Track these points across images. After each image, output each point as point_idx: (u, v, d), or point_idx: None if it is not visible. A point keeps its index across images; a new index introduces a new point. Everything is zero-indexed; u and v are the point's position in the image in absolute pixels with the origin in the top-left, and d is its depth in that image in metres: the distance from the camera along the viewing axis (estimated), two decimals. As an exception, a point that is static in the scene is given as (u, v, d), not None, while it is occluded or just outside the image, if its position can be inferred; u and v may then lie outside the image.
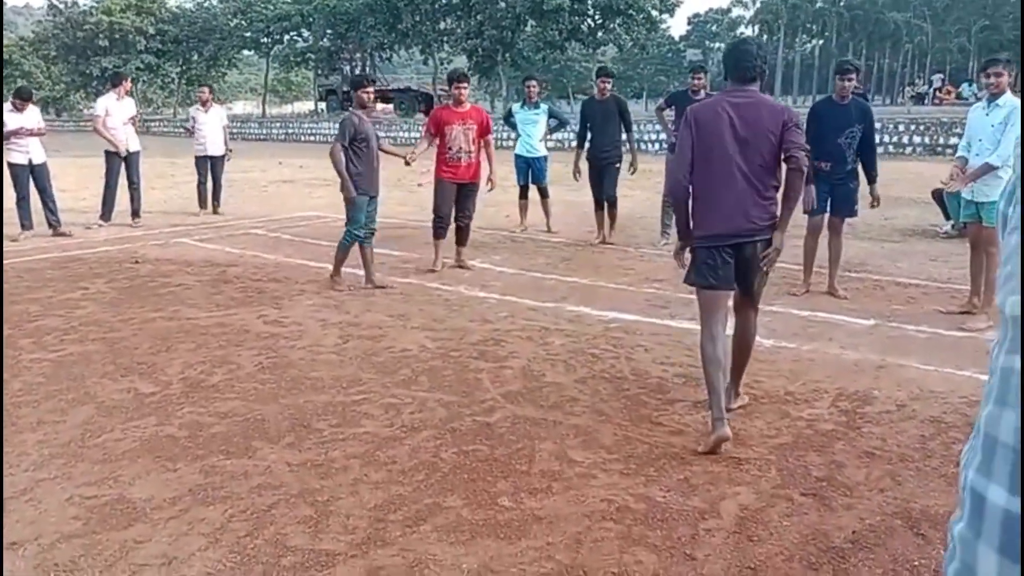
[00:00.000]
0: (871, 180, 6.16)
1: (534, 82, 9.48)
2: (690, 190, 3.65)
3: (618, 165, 8.72)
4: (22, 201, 8.98)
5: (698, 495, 3.06)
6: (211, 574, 2.58)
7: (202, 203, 11.18)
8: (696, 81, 8.23)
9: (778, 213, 3.60)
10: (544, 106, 9.43)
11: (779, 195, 3.63)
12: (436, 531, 2.82)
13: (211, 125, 11.11)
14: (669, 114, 8.69)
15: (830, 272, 6.26)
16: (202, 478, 3.24)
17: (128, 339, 5.16)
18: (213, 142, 11.11)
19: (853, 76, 6.11)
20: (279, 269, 7.44)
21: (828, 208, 6.12)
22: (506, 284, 6.79)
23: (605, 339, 5.15)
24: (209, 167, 11.15)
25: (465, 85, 7.22)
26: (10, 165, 8.91)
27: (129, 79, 10.70)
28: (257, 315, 5.77)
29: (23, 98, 9.12)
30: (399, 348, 4.98)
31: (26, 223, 8.99)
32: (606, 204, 8.79)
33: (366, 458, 3.42)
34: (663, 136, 9.05)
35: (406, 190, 12.80)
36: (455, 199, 7.14)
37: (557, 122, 9.67)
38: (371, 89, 6.66)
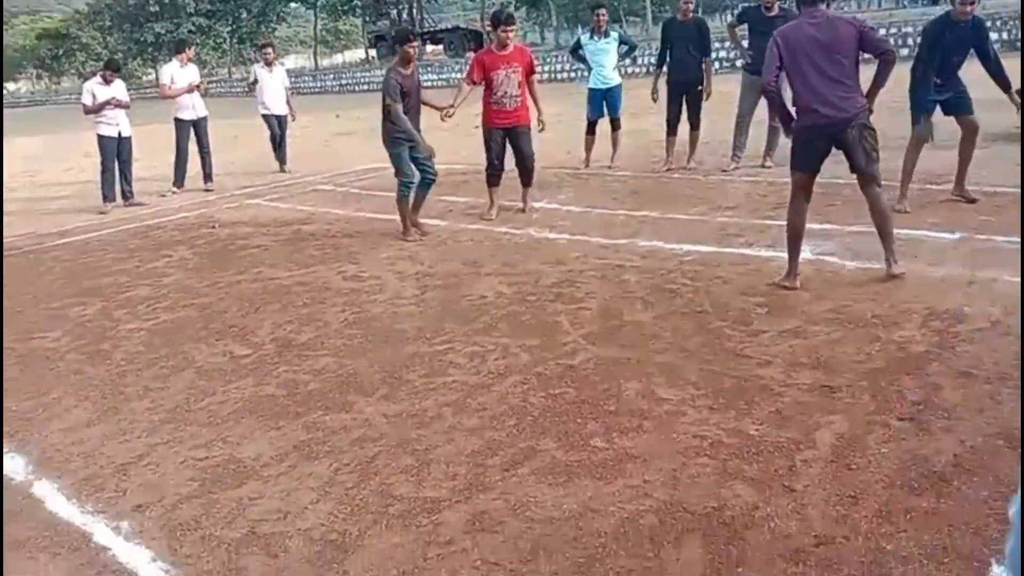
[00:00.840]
0: (1006, 89, 6.07)
1: (603, 10, 9.17)
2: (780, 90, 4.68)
3: (700, 88, 8.54)
4: (107, 173, 9.29)
5: (792, 426, 3.06)
6: (324, 525, 2.71)
7: (280, 158, 11.39)
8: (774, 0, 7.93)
9: (863, 102, 4.53)
10: (614, 33, 9.18)
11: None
12: (533, 474, 2.90)
13: (275, 85, 11.19)
14: (741, 31, 8.42)
15: (960, 173, 6.30)
16: (305, 434, 3.38)
17: (216, 303, 5.35)
18: (276, 101, 11.20)
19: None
20: (351, 224, 7.56)
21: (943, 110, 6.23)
22: (575, 223, 6.76)
23: (681, 273, 5.11)
24: (276, 124, 11.29)
25: (513, 28, 6.99)
26: (100, 137, 9.22)
27: (191, 46, 10.83)
28: (336, 271, 5.90)
29: (113, 69, 9.36)
30: (476, 295, 5.05)
31: (109, 194, 9.31)
32: (690, 127, 8.65)
33: (458, 406, 3.51)
34: (732, 55, 8.76)
35: (464, 134, 12.76)
36: (509, 143, 7.03)
37: (628, 47, 9.46)
38: (416, 43, 6.57)
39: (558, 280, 5.19)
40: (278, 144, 11.38)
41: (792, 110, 4.70)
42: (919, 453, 2.79)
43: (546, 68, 28.45)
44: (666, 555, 2.38)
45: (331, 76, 40.86)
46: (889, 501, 2.54)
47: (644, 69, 21.73)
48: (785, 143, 8.22)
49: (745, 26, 8.36)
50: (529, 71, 6.99)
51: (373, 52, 51.01)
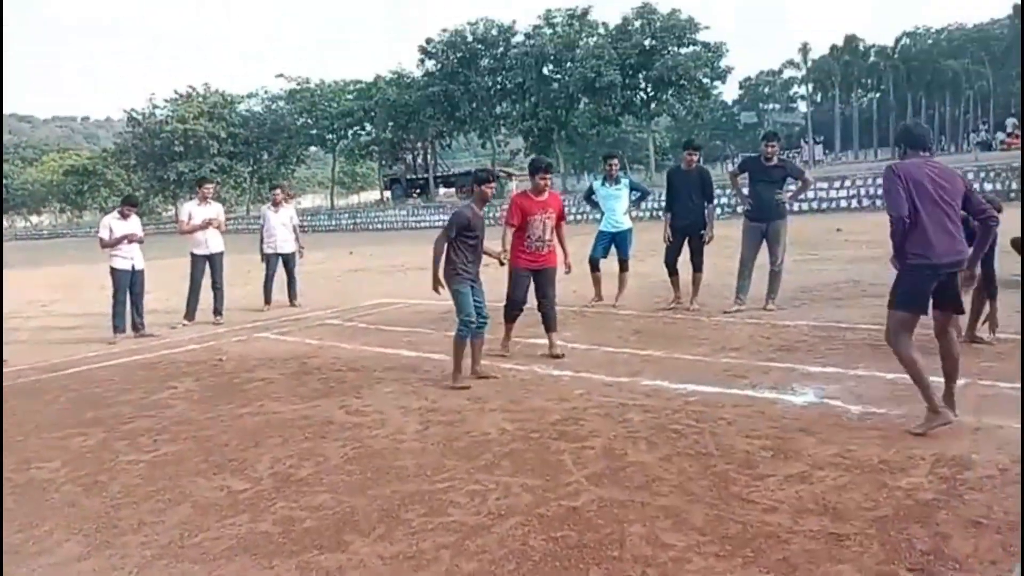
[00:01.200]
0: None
1: (615, 160, 9.71)
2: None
3: (703, 232, 8.85)
4: (118, 305, 9.46)
5: (799, 575, 2.97)
6: (313, 673, 2.60)
7: (267, 299, 11.55)
8: (769, 149, 8.35)
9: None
10: (625, 180, 9.66)
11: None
12: (533, 622, 2.79)
13: (282, 222, 11.59)
14: (742, 179, 8.78)
15: (972, 321, 6.41)
16: (298, 574, 3.29)
17: (218, 436, 5.32)
18: (283, 240, 11.58)
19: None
20: (357, 358, 7.61)
21: None
22: (579, 360, 6.79)
23: (685, 413, 5.09)
24: (281, 264, 11.61)
25: (550, 176, 7.19)
26: (113, 270, 9.47)
27: (211, 183, 11.26)
28: (339, 405, 5.89)
29: (131, 204, 9.74)
30: (479, 432, 5.02)
31: (119, 326, 9.44)
32: (693, 270, 8.93)
33: (456, 548, 3.42)
34: (733, 201, 9.13)
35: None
36: (534, 285, 7.13)
37: (639, 194, 9.87)
38: (494, 185, 6.58)
39: (562, 417, 5.17)
40: (289, 281, 11.65)
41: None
42: (932, 607, 2.70)
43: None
44: None
45: (346, 215, 42.13)
46: (902, 658, 2.43)
47: (647, 214, 22.37)
48: (785, 287, 8.37)
49: (746, 175, 8.71)
50: (560, 217, 7.17)
51: (388, 194, 52.75)
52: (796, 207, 23.91)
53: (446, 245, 6.29)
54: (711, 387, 5.66)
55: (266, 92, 54.77)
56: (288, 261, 11.67)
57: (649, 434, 4.73)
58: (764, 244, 8.54)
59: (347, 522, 3.78)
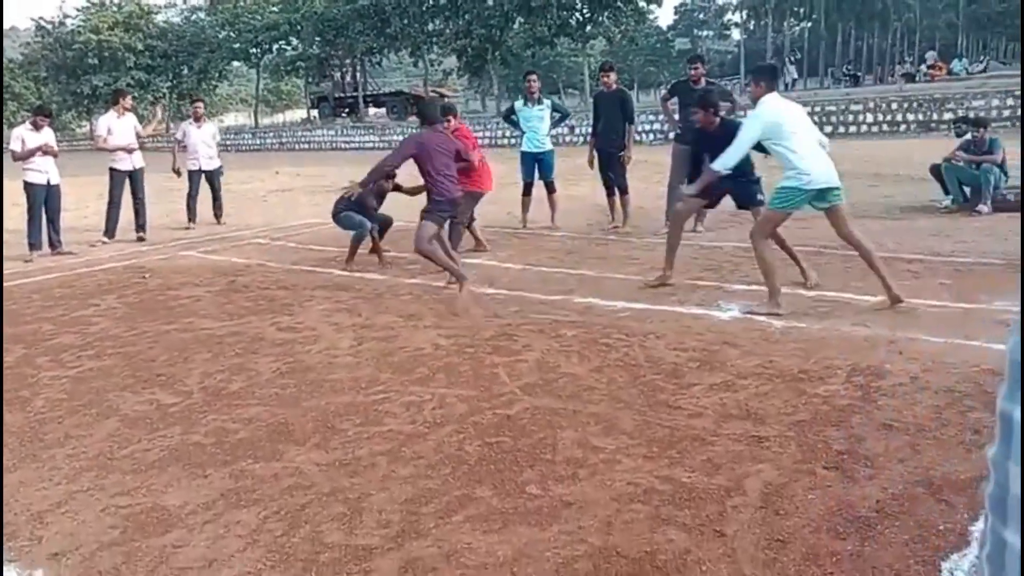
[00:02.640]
0: None
1: (535, 77, 9.46)
2: None
3: (621, 153, 8.90)
4: (33, 221, 9.04)
5: (722, 474, 3.12)
6: (251, 573, 2.63)
7: (191, 216, 11.14)
8: (694, 71, 8.34)
9: None
10: (547, 101, 9.47)
11: None
12: (468, 521, 2.87)
13: (204, 139, 11.17)
14: (672, 104, 8.79)
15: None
16: (233, 482, 3.29)
17: (144, 352, 5.21)
18: (206, 156, 11.17)
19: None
20: (287, 276, 7.49)
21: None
22: (513, 279, 6.84)
23: (616, 328, 5.20)
24: (205, 180, 11.21)
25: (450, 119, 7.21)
26: (27, 184, 8.99)
27: (128, 96, 10.72)
28: (270, 322, 5.82)
29: (45, 115, 9.21)
30: (413, 347, 5.04)
31: (35, 243, 9.05)
32: (617, 192, 8.95)
33: (392, 455, 3.47)
34: (665, 127, 9.15)
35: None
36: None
37: (560, 115, 9.73)
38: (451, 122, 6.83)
39: (496, 333, 5.22)
40: (214, 197, 11.30)
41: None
42: (844, 499, 2.87)
43: (487, 134, 28.98)
44: (599, 598, 2.38)
45: (271, 134, 40.80)
46: (815, 545, 2.59)
47: (581, 138, 22.35)
48: (713, 210, 8.54)
49: (675, 99, 8.73)
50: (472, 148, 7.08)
51: (315, 112, 51.19)
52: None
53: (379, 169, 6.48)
54: (641, 304, 5.78)
55: (185, 2, 52.00)
56: (213, 178, 11.29)
57: (581, 348, 4.83)
58: None
59: (281, 433, 3.78)
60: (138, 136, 10.07)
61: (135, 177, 10.02)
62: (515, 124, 9.67)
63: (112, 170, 10.00)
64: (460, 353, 4.85)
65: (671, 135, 8.86)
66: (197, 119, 11.26)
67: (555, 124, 9.60)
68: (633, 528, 2.76)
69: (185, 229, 10.91)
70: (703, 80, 8.41)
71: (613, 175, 9.04)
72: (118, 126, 9.96)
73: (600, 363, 4.53)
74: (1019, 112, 19.33)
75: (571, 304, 5.90)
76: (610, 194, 9.19)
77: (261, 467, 3.43)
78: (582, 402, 3.95)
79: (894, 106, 21.93)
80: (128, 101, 10.35)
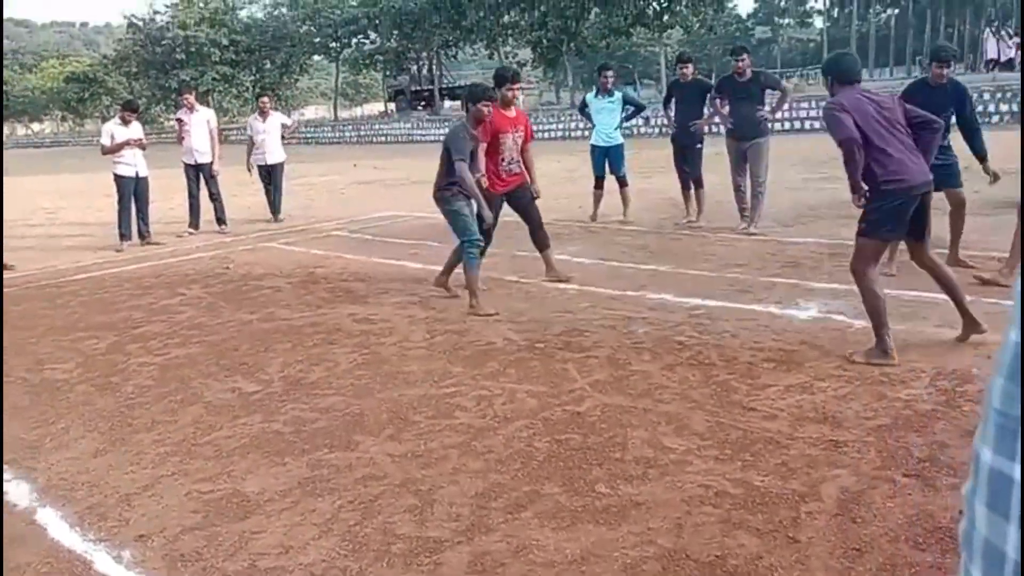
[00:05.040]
0: (981, 160, 6.21)
1: (611, 71, 9.37)
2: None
3: (700, 146, 8.75)
4: (123, 212, 9.44)
5: (797, 479, 3.05)
6: (325, 561, 2.71)
7: (274, 211, 11.27)
8: (740, 64, 8.08)
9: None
10: (618, 94, 9.37)
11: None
12: (537, 517, 2.89)
13: (270, 134, 11.09)
14: (724, 102, 8.55)
15: (952, 243, 6.34)
16: (309, 471, 3.39)
17: (228, 341, 5.40)
18: (272, 151, 11.11)
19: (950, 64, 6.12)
20: (364, 268, 7.64)
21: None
22: (585, 274, 6.81)
23: (690, 326, 5.14)
24: (269, 176, 11.19)
25: (519, 85, 6.55)
26: (117, 177, 9.41)
27: (191, 92, 10.95)
28: (347, 313, 5.95)
29: (131, 110, 9.59)
30: (484, 341, 5.08)
31: (125, 233, 9.46)
32: (693, 185, 8.83)
33: (463, 448, 3.51)
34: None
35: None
36: (517, 213, 6.54)
37: (633, 108, 9.62)
38: (491, 105, 5.88)
39: (567, 329, 5.22)
40: (274, 194, 11.24)
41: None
42: (924, 509, 2.78)
43: (560, 126, 28.94)
44: (668, 601, 2.37)
45: (350, 127, 41.58)
46: (893, 555, 2.52)
47: (657, 130, 22.07)
48: (791, 205, 8.28)
49: (724, 96, 8.48)
50: (529, 136, 6.56)
51: (392, 106, 51.98)
52: (807, 125, 23.59)
53: (447, 167, 5.78)
54: (715, 301, 5.69)
55: (268, -2, 53.45)
56: (275, 173, 11.19)
57: (653, 345, 4.79)
58: None
59: (357, 423, 3.87)
60: (212, 136, 10.30)
61: (203, 171, 10.29)
62: (589, 117, 9.62)
63: (186, 165, 10.36)
64: (531, 349, 4.86)
65: (722, 130, 8.62)
66: (263, 113, 11.23)
67: (629, 117, 9.50)
68: (703, 531, 2.73)
69: (267, 223, 11.07)
70: (748, 71, 8.13)
71: (689, 168, 8.90)
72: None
73: (672, 361, 4.48)
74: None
75: (643, 300, 5.85)
76: (685, 187, 9.06)
77: (337, 456, 3.52)
78: (653, 401, 3.92)
79: (986, 96, 20.96)
80: (190, 99, 10.56)
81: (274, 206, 11.28)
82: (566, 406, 3.91)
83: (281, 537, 2.88)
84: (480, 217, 5.94)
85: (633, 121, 10.33)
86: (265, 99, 11.69)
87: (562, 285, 6.43)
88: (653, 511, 2.88)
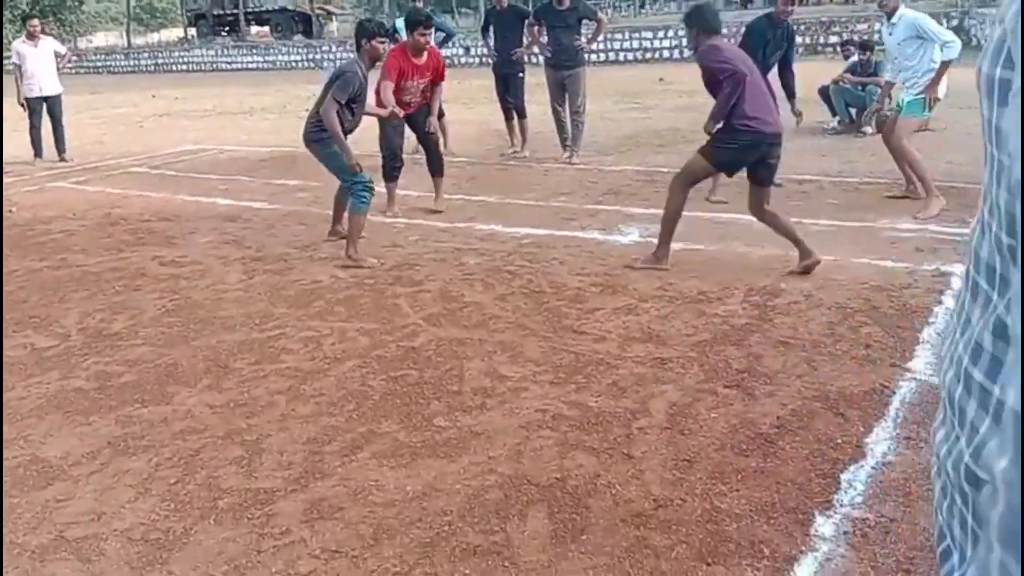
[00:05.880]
0: (792, 97, 6.68)
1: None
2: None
3: (521, 75, 8.68)
4: None
5: (628, 397, 3.14)
6: (144, 524, 2.48)
7: (37, 150, 9.94)
8: None
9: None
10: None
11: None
12: (375, 457, 2.79)
13: (42, 62, 9.81)
14: (541, 30, 8.52)
15: None
16: (119, 429, 3.09)
17: (15, 292, 4.83)
18: (46, 81, 9.83)
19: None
20: (168, 207, 7.07)
21: None
22: (412, 207, 6.65)
23: (519, 255, 5.14)
24: (45, 109, 9.85)
25: (428, 32, 6.13)
26: None
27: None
28: (152, 256, 5.48)
29: None
30: (309, 280, 4.85)
31: None
32: (515, 115, 8.76)
33: (291, 393, 3.34)
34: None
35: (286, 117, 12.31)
36: (410, 126, 6.39)
37: (444, 35, 9.34)
38: (386, 40, 5.52)
39: (397, 263, 5.08)
40: (54, 128, 9.94)
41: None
42: (746, 417, 2.94)
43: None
44: (512, 528, 2.36)
45: (146, 55, 38.28)
46: (720, 463, 2.65)
47: (477, 60, 21.86)
48: (610, 134, 8.45)
49: (542, 23, 8.46)
50: (438, 78, 6.32)
51: (192, 31, 48.20)
52: (621, 56, 24.21)
53: (327, 108, 5.14)
54: (543, 230, 5.73)
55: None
56: (53, 106, 9.87)
57: (484, 276, 4.75)
58: None
59: (170, 374, 3.58)
60: None
61: None
62: (397, 42, 9.22)
63: None
64: (360, 285, 4.69)
65: (540, 59, 8.62)
66: (31, 37, 9.88)
67: (440, 44, 9.22)
68: (543, 455, 2.75)
69: (29, 165, 9.72)
70: (567, 1, 8.11)
71: (511, 98, 8.83)
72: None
73: (504, 291, 4.47)
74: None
75: (473, 231, 5.79)
76: (508, 118, 9.00)
77: (150, 411, 3.24)
78: (487, 331, 3.90)
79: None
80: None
81: (58, 143, 9.99)
82: (400, 342, 3.80)
83: (92, 503, 2.61)
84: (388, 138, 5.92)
85: (453, 50, 10.12)
86: (35, 22, 10.21)
87: (388, 220, 6.23)
88: (492, 440, 2.86)
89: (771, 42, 6.32)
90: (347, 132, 5.25)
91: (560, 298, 4.32)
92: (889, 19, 5.75)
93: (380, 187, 5.92)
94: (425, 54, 6.15)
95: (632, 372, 3.35)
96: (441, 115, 9.07)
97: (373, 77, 5.53)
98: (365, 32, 5.42)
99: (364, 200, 5.20)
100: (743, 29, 6.90)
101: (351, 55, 5.66)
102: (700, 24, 4.62)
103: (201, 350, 3.83)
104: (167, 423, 3.13)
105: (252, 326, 4.12)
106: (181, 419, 3.16)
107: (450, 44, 10.06)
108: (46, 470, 2.83)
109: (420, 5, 8.82)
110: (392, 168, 6.36)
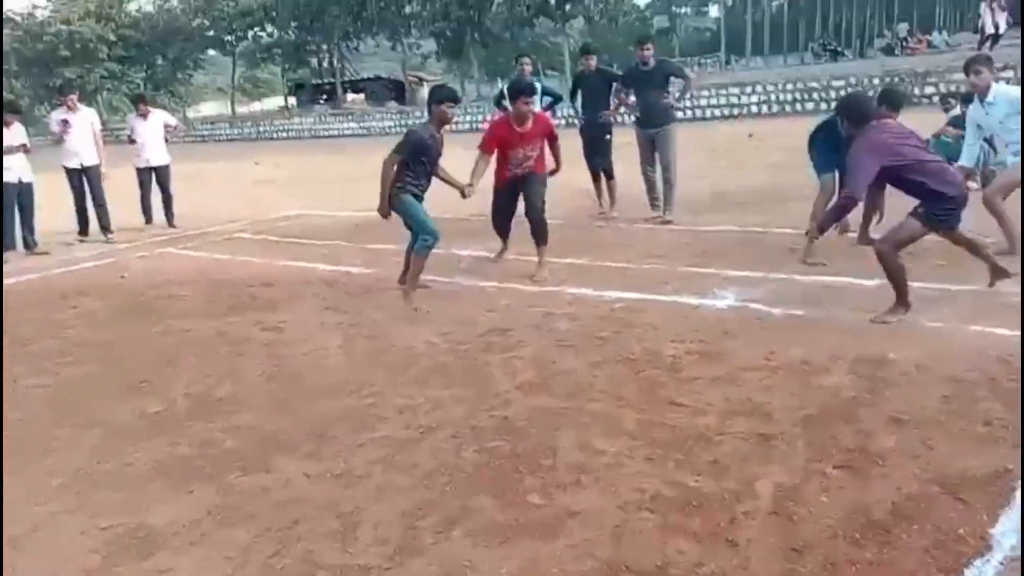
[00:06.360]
0: None
1: (528, 60, 9.15)
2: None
3: (609, 136, 8.77)
4: (7, 222, 8.76)
5: (730, 476, 3.01)
6: (243, 599, 2.50)
7: (147, 217, 10.55)
8: (644, 52, 8.15)
9: None
10: (537, 84, 9.23)
11: None
12: (469, 535, 2.75)
13: (152, 134, 10.45)
14: (629, 92, 8.58)
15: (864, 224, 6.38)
16: (220, 498, 3.15)
17: (127, 357, 5.05)
18: (154, 152, 10.45)
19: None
20: (271, 273, 7.31)
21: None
22: (503, 270, 6.70)
23: (612, 320, 5.08)
24: (154, 179, 10.49)
25: (531, 99, 6.34)
26: None
27: (74, 93, 10.02)
28: (255, 322, 5.66)
29: (14, 111, 8.93)
30: (404, 346, 4.90)
31: (9, 244, 8.80)
32: (603, 176, 8.82)
33: (387, 463, 3.34)
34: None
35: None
36: (518, 195, 6.53)
37: (552, 99, 9.49)
38: (455, 105, 5.83)
39: (489, 328, 5.09)
40: (164, 196, 10.50)
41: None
42: (859, 502, 2.76)
43: (467, 118, 28.75)
44: (612, 619, 2.27)
45: (249, 124, 40.35)
46: (833, 553, 2.49)
47: (564, 120, 22.17)
48: (702, 193, 8.37)
49: (631, 88, 8.53)
50: (552, 138, 6.49)
51: (293, 100, 50.62)
52: (708, 113, 24.11)
53: (395, 167, 5.62)
54: (635, 293, 5.66)
55: (157, -10, 51.14)
56: (161, 175, 10.47)
57: (577, 342, 4.71)
58: None
59: (271, 442, 3.64)
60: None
61: (89, 175, 9.61)
62: (507, 110, 9.42)
63: (67, 169, 9.67)
64: (453, 351, 4.71)
65: (631, 119, 8.71)
66: (143, 115, 10.57)
67: (547, 108, 9.35)
68: (642, 539, 2.65)
69: (140, 232, 10.26)
70: (652, 60, 8.21)
71: (599, 159, 8.89)
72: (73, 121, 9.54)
73: (598, 358, 4.41)
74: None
75: (564, 295, 5.77)
76: (596, 179, 9.05)
77: (250, 480, 3.29)
78: (581, 400, 3.83)
79: (876, 81, 21.84)
80: (72, 99, 9.76)
81: (167, 211, 10.59)
82: (493, 411, 3.78)
83: (191, 574, 2.65)
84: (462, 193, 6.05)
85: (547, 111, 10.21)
86: (142, 103, 10.88)
87: (481, 283, 6.29)
88: (589, 520, 2.78)
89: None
90: (417, 194, 5.71)
91: (656, 366, 4.23)
92: (982, 99, 5.57)
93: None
94: (530, 121, 6.27)
95: (734, 449, 3.22)
96: (610, 177, 9.08)
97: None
98: (435, 96, 5.80)
99: (427, 244, 5.68)
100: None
101: None
102: (854, 114, 4.63)
103: (300, 417, 3.89)
104: (266, 492, 3.17)
105: (350, 392, 4.18)
106: (280, 488, 3.20)
107: (559, 107, 10.20)
108: (149, 539, 2.89)
109: (529, 67, 9.01)
110: (496, 226, 6.88)
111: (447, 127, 5.85)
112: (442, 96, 5.75)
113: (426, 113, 5.85)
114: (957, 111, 9.41)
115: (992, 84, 5.53)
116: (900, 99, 6.40)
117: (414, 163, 5.66)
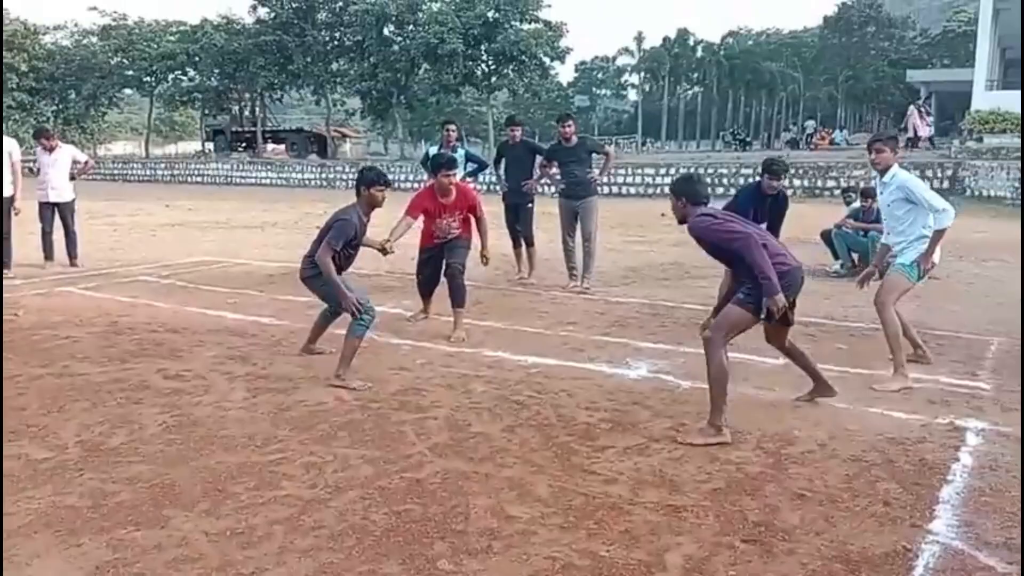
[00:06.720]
0: None
1: (453, 126, 9.31)
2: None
3: (531, 205, 8.97)
4: None
5: (641, 547, 3.01)
6: (128, 665, 2.33)
7: (47, 254, 9.99)
8: (566, 130, 8.43)
9: None
10: (461, 150, 9.33)
11: None
12: (375, 601, 2.65)
13: (56, 169, 9.96)
14: (551, 165, 8.83)
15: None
16: (110, 553, 2.96)
17: (13, 399, 4.74)
18: (57, 187, 9.95)
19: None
20: (176, 318, 7.05)
21: None
22: (419, 330, 6.66)
23: (527, 385, 5.09)
24: (56, 215, 10.00)
25: (452, 172, 6.39)
26: None
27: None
28: (156, 369, 5.42)
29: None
30: (313, 401, 4.77)
31: None
32: (523, 243, 8.97)
33: (290, 523, 3.21)
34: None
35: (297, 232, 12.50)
36: (442, 257, 6.66)
37: (476, 165, 9.59)
38: (384, 189, 5.50)
39: (402, 387, 5.02)
40: (66, 234, 10.03)
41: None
42: (765, 576, 2.81)
43: (390, 176, 28.76)
44: None
45: (163, 165, 39.37)
46: (741, 627, 2.51)
47: (484, 187, 22.46)
48: (616, 266, 8.59)
49: (554, 163, 8.79)
50: (476, 213, 6.60)
51: (210, 145, 49.73)
52: (624, 191, 24.87)
53: (322, 255, 5.20)
54: (551, 359, 5.70)
55: (76, 26, 49.82)
56: (64, 213, 9.99)
57: (492, 405, 4.69)
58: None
59: (167, 495, 3.46)
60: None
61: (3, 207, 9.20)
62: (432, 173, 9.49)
63: None
64: (364, 409, 4.61)
65: (554, 192, 9.00)
66: (49, 150, 10.04)
67: (471, 174, 9.45)
68: (553, 608, 2.61)
69: (39, 269, 9.73)
70: (574, 137, 8.52)
71: (520, 227, 9.06)
72: None
73: (512, 422, 4.39)
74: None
75: (480, 358, 5.76)
76: (516, 245, 9.19)
77: (143, 535, 3.10)
78: (495, 465, 3.80)
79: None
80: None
81: (70, 249, 10.06)
82: (404, 473, 3.70)
83: (72, 637, 2.46)
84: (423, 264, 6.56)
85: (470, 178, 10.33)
86: (44, 137, 10.20)
87: (395, 341, 6.23)
88: (499, 588, 2.73)
89: (759, 210, 6.55)
90: (339, 269, 5.32)
91: (569, 433, 4.24)
92: (881, 177, 5.54)
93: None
94: (453, 194, 6.42)
95: (645, 520, 3.24)
96: (530, 244, 9.12)
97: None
98: (364, 180, 5.45)
99: (363, 324, 5.22)
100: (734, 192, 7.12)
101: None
102: (688, 194, 4.44)
103: (200, 471, 3.72)
104: (160, 549, 3.00)
105: (253, 448, 4.02)
106: (175, 546, 3.02)
107: (482, 175, 10.30)
108: (28, 597, 2.68)
109: (454, 133, 9.12)
110: (421, 288, 7.00)
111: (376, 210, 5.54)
112: (372, 179, 5.45)
113: (354, 195, 5.52)
114: (857, 204, 9.98)
115: (892, 165, 5.46)
116: (780, 168, 6.84)
117: (346, 252, 5.40)
